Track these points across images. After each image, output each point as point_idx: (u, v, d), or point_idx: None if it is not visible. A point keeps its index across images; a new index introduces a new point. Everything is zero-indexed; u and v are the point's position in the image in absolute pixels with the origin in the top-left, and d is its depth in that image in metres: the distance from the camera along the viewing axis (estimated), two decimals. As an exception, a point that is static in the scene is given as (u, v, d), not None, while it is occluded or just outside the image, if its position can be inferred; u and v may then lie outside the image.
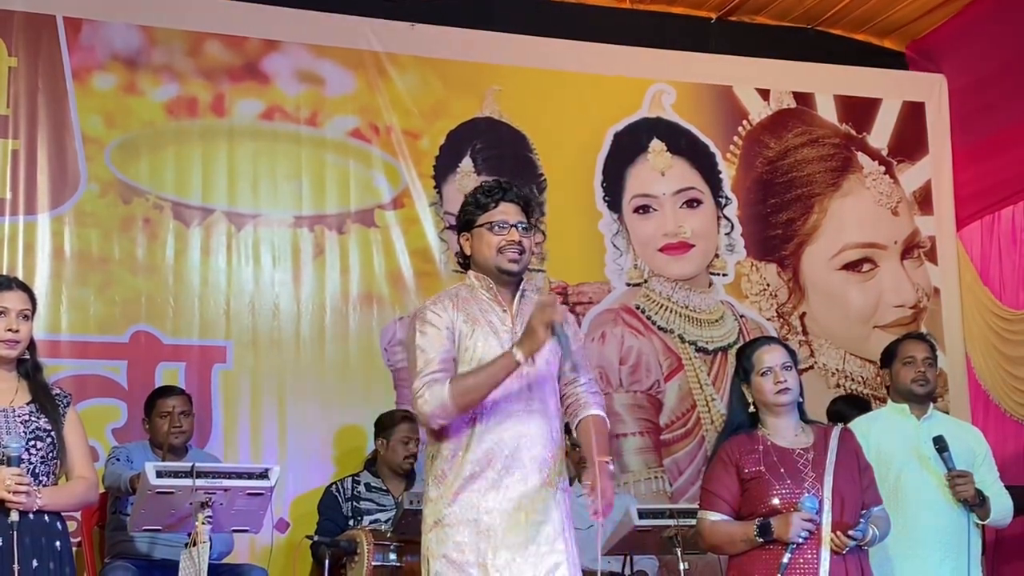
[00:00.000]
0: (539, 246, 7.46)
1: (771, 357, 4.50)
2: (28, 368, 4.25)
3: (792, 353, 4.58)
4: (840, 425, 4.72)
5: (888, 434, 5.15)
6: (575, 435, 4.14)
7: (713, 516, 4.44)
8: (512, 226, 4.04)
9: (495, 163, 7.67)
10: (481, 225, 4.06)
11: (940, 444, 5.03)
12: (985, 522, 5.14)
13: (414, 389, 3.90)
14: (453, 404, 3.84)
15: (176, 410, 6.14)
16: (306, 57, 7.52)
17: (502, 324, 4.01)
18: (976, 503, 5.03)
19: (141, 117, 7.19)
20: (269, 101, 7.42)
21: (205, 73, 7.33)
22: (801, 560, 4.28)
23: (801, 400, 4.54)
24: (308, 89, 7.49)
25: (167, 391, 6.28)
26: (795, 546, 4.24)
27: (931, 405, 5.34)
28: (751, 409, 4.52)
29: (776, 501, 4.33)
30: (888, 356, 5.39)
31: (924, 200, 8.49)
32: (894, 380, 5.32)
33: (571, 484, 4.09)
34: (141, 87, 7.20)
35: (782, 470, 4.37)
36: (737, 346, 7.76)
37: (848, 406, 6.77)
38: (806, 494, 4.29)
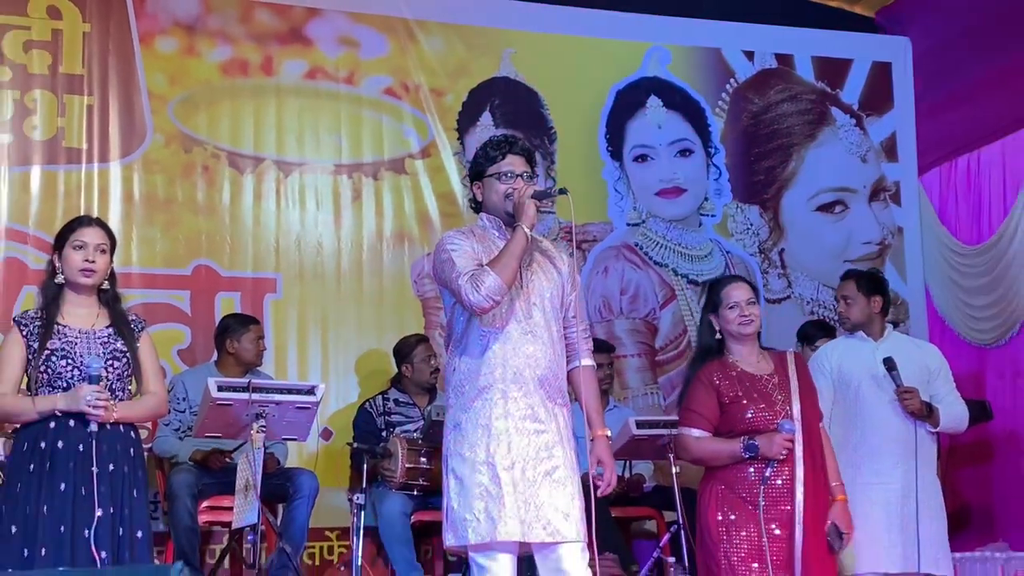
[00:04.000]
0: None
1: (738, 293, 4.54)
2: (108, 297, 4.26)
3: (755, 290, 4.65)
4: (791, 351, 4.78)
5: (848, 357, 5.20)
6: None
7: (696, 433, 4.50)
8: (518, 175, 4.07)
9: (511, 118, 7.67)
10: (491, 175, 4.09)
11: (889, 364, 5.06)
12: (938, 429, 5.17)
13: (461, 285, 3.90)
14: (501, 279, 3.87)
15: (260, 335, 6.27)
16: (345, 23, 7.50)
17: None
18: (923, 414, 5.07)
19: (199, 76, 7.21)
20: (312, 62, 7.42)
21: (255, 37, 7.33)
22: (780, 472, 4.37)
23: (759, 331, 4.62)
24: (346, 52, 7.49)
25: (248, 318, 6.36)
26: (776, 462, 4.33)
27: (889, 327, 5.35)
28: (717, 336, 4.58)
29: (750, 416, 4.42)
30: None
31: (890, 149, 8.47)
32: (845, 311, 5.38)
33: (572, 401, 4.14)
34: (199, 50, 7.22)
35: (755, 394, 4.45)
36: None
37: (815, 328, 6.86)
38: (782, 418, 4.38)
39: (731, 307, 4.52)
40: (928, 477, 5.09)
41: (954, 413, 5.22)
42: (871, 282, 5.35)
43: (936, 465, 5.27)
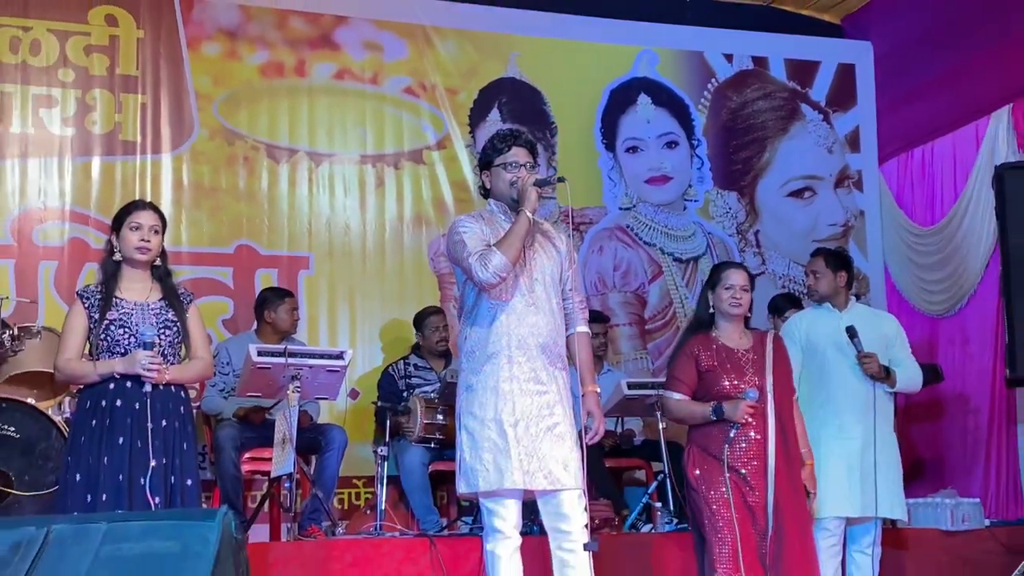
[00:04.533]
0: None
1: (735, 278, 4.60)
2: (161, 273, 4.25)
3: (752, 278, 4.68)
4: (772, 332, 4.84)
5: (815, 326, 5.17)
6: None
7: (677, 396, 4.59)
8: (521, 165, 4.06)
9: (517, 113, 7.66)
10: (498, 165, 4.08)
11: (850, 331, 5.04)
12: (895, 389, 5.15)
13: (471, 264, 3.91)
14: (507, 257, 3.87)
15: (295, 307, 6.25)
16: (369, 30, 7.49)
17: None
18: (881, 376, 5.06)
19: (241, 77, 7.20)
20: (340, 64, 7.41)
21: (290, 43, 7.32)
22: (753, 428, 4.44)
23: (749, 315, 4.66)
24: (371, 55, 7.48)
25: (284, 292, 6.31)
26: (739, 425, 4.40)
27: (852, 299, 5.33)
28: (711, 311, 4.62)
29: (723, 385, 4.49)
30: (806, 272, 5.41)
31: (853, 141, 8.45)
32: (815, 285, 5.31)
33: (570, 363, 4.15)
34: (240, 54, 7.21)
35: (729, 366, 4.53)
36: (705, 257, 7.87)
37: (784, 300, 6.84)
38: (749, 388, 4.44)
39: (727, 288, 4.58)
40: (886, 432, 5.08)
41: (910, 375, 5.21)
42: (837, 259, 5.33)
43: (893, 421, 5.26)
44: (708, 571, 4.39)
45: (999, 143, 7.15)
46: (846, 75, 8.51)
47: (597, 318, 6.46)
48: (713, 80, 8.24)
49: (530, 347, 3.95)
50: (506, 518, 3.95)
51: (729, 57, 8.30)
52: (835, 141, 8.42)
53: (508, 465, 3.85)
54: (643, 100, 8.05)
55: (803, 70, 8.44)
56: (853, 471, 4.96)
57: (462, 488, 3.99)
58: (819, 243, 7.91)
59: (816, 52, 8.50)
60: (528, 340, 3.95)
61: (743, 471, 4.40)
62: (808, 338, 5.13)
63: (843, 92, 8.48)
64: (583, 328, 4.17)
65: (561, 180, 4.03)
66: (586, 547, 3.87)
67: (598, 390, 4.13)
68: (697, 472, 4.46)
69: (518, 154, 4.06)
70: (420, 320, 6.56)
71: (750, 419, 4.41)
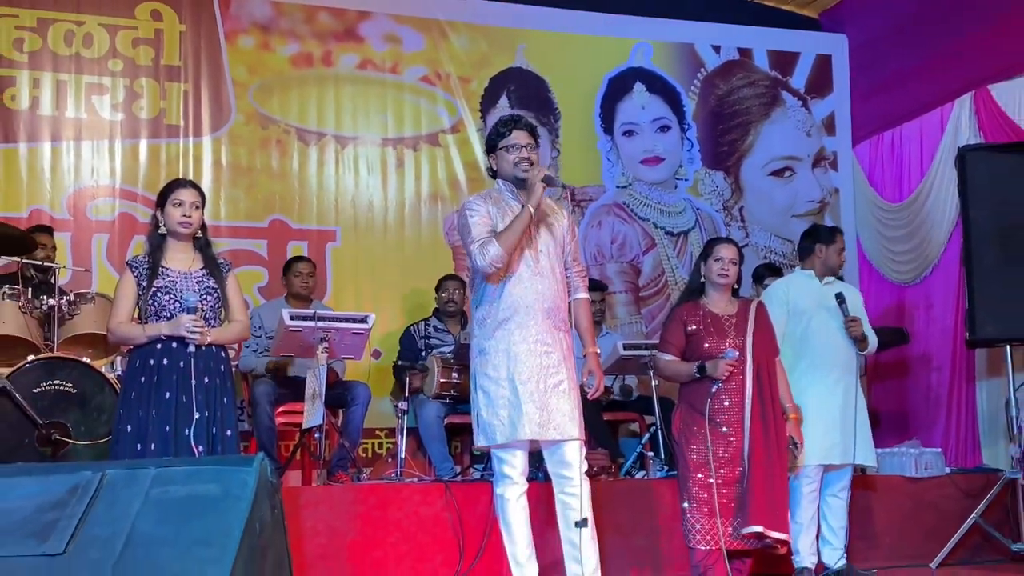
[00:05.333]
0: (554, 160, 7.51)
1: (725, 252, 4.62)
2: (202, 244, 4.24)
3: (741, 254, 4.68)
4: (757, 300, 4.83)
5: (800, 292, 5.16)
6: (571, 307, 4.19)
7: (667, 357, 4.63)
8: (523, 147, 4.05)
9: (523, 100, 7.63)
10: (502, 148, 4.08)
11: (840, 298, 5.07)
12: (865, 352, 5.20)
13: (473, 250, 3.93)
14: (503, 248, 3.88)
15: (306, 272, 6.23)
16: (390, 24, 7.46)
17: None
18: (862, 339, 5.08)
19: (273, 67, 7.18)
20: (363, 56, 7.38)
21: (318, 36, 7.29)
22: (734, 384, 4.46)
23: (737, 287, 4.67)
24: (391, 47, 7.45)
25: (301, 259, 6.33)
26: (721, 382, 4.44)
27: None
28: (702, 280, 4.64)
29: (706, 347, 4.52)
30: (826, 238, 5.27)
31: (829, 125, 8.41)
32: (826, 257, 5.23)
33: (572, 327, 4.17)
34: (273, 46, 7.19)
35: (712, 329, 4.56)
36: (694, 231, 7.86)
37: (765, 269, 6.85)
38: (728, 348, 4.47)
39: (717, 260, 4.61)
40: (859, 389, 5.12)
41: (872, 341, 5.26)
42: None
43: (862, 382, 5.28)
44: (682, 514, 4.46)
45: (962, 127, 7.12)
46: (823, 65, 8.45)
47: (596, 286, 6.46)
48: (702, 69, 8.19)
49: (536, 312, 3.96)
50: (515, 465, 3.97)
51: (717, 49, 8.25)
52: (813, 125, 8.38)
53: (521, 419, 3.87)
54: (638, 88, 8.01)
55: (784, 60, 8.39)
56: (835, 423, 4.98)
57: (480, 442, 4.01)
58: (798, 218, 7.90)
59: (796, 44, 8.45)
60: (534, 306, 3.96)
61: (723, 423, 4.44)
62: (794, 303, 5.13)
63: (820, 80, 8.43)
64: (583, 295, 4.19)
65: (564, 187, 4.03)
66: (577, 524, 3.88)
67: (598, 351, 4.15)
68: (680, 426, 4.52)
69: (519, 137, 4.06)
70: (440, 284, 6.57)
71: (730, 376, 4.43)
